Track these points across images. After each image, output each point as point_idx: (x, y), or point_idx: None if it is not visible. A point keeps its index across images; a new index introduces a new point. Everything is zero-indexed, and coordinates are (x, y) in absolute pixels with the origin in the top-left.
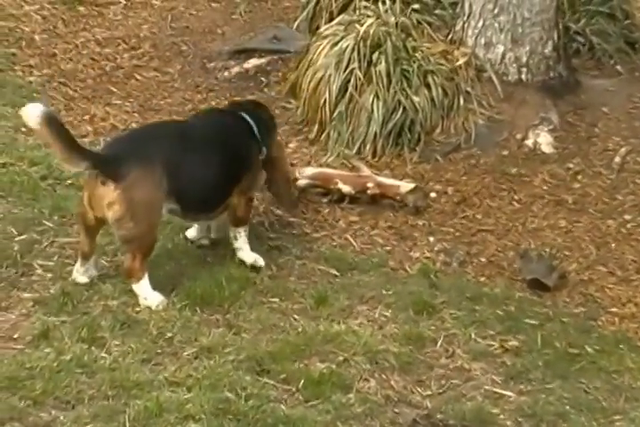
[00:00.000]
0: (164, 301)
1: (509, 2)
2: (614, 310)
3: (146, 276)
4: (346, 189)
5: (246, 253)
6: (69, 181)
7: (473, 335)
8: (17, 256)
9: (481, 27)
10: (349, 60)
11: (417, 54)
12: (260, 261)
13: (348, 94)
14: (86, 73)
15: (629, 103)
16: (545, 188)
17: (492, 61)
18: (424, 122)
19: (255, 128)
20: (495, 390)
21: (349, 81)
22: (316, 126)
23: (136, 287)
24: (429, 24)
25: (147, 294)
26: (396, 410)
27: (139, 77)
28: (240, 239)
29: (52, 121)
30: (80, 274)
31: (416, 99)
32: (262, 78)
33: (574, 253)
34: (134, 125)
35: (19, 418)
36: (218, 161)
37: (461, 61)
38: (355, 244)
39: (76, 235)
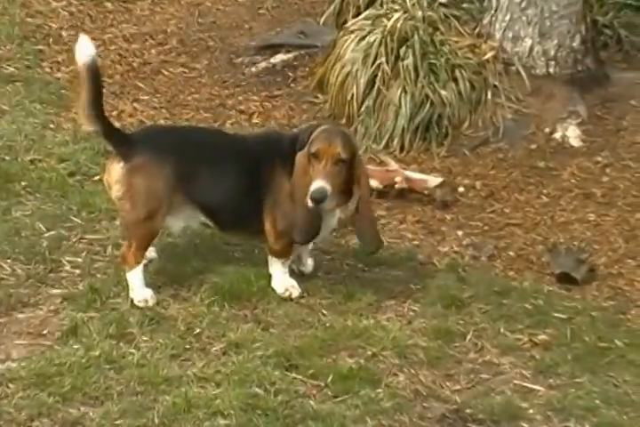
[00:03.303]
0: (150, 299)
1: None
2: None
3: (139, 267)
4: (374, 183)
5: (277, 282)
6: (97, 177)
7: (502, 330)
8: (45, 252)
9: (508, 20)
10: (376, 54)
11: (444, 48)
12: (295, 292)
13: (375, 89)
14: (114, 69)
15: None
16: (573, 181)
17: (520, 55)
18: (452, 116)
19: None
20: (524, 384)
21: (377, 75)
22: (344, 121)
23: (128, 276)
24: (457, 18)
25: (134, 285)
26: (425, 405)
27: (166, 73)
28: (273, 266)
29: (94, 69)
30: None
31: (444, 93)
32: (289, 73)
33: (603, 246)
34: (162, 122)
35: (47, 414)
36: (239, 180)
37: (489, 55)
38: (383, 238)
39: (105, 231)
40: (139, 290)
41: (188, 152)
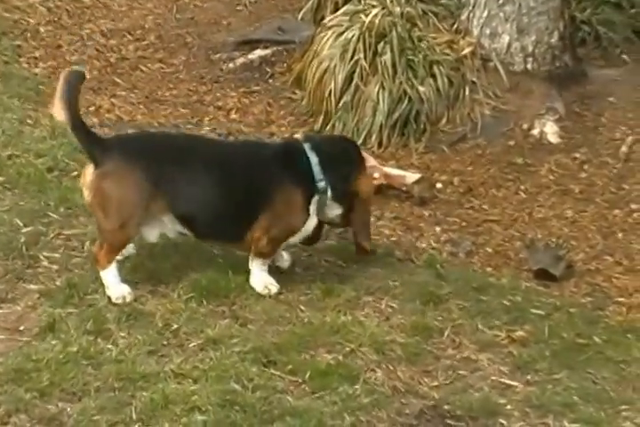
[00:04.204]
0: (128, 295)
1: None
2: (621, 299)
3: (111, 266)
4: None
5: (256, 280)
6: (75, 173)
7: (480, 326)
8: (23, 248)
9: (486, 16)
10: (354, 50)
11: (422, 44)
12: (273, 289)
13: (353, 85)
14: (91, 64)
15: (636, 92)
16: (551, 177)
17: (498, 51)
18: (430, 112)
19: (315, 165)
20: (502, 380)
21: (355, 71)
22: (322, 117)
23: (101, 274)
24: (435, 14)
25: (109, 283)
26: (403, 401)
27: (144, 69)
28: (254, 264)
29: (74, 76)
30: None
31: (421, 89)
32: (267, 69)
33: (581, 242)
34: (139, 117)
35: (25, 410)
36: (222, 189)
37: (467, 51)
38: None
39: (83, 227)
40: (114, 287)
41: (160, 163)
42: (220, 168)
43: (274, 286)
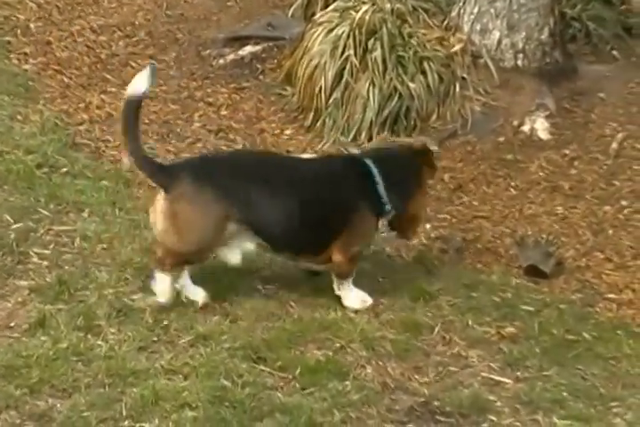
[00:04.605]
0: (167, 301)
1: None
2: (611, 296)
3: (170, 273)
4: None
5: (351, 299)
6: (65, 169)
7: (470, 322)
8: (13, 244)
9: (477, 13)
10: (345, 46)
11: (413, 41)
12: (369, 300)
13: (343, 81)
14: (81, 61)
15: (626, 89)
16: (541, 174)
17: (488, 47)
18: (420, 109)
19: (379, 182)
20: (492, 377)
21: (345, 68)
22: (312, 113)
23: (158, 275)
24: (425, 10)
25: (162, 286)
26: (393, 397)
27: (134, 65)
28: (343, 289)
29: (133, 104)
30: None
31: (412, 85)
32: (257, 66)
33: (571, 239)
34: None
35: (15, 406)
36: (295, 206)
37: (457, 48)
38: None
39: (73, 223)
40: (160, 291)
41: (234, 182)
42: (293, 185)
43: (368, 298)
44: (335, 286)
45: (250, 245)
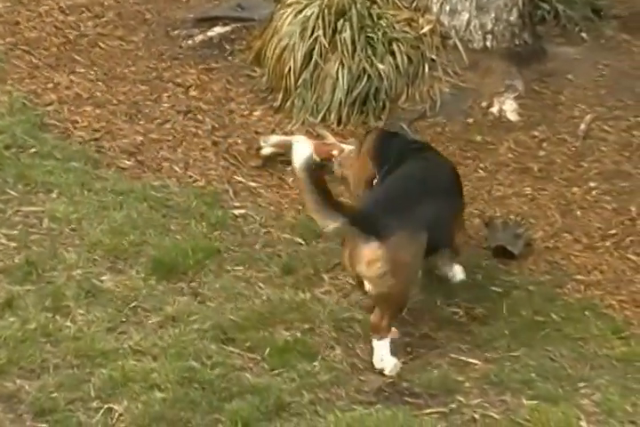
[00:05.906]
0: (398, 365)
1: None
2: (580, 277)
3: (389, 337)
4: None
5: (459, 272)
6: (33, 150)
7: (438, 303)
8: None
9: None
10: (314, 27)
11: (382, 22)
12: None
13: (312, 62)
14: (50, 41)
15: (595, 71)
16: (510, 155)
17: (457, 29)
18: (389, 90)
19: None
20: (461, 358)
21: (314, 49)
22: (281, 94)
23: (375, 344)
24: None
25: (384, 354)
26: (362, 378)
27: (103, 46)
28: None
29: (310, 169)
30: None
31: (381, 66)
32: (227, 46)
33: (540, 220)
34: (98, 94)
35: None
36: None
37: (426, 29)
38: None
39: (41, 204)
40: (388, 359)
41: (429, 212)
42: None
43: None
44: (449, 268)
45: None
